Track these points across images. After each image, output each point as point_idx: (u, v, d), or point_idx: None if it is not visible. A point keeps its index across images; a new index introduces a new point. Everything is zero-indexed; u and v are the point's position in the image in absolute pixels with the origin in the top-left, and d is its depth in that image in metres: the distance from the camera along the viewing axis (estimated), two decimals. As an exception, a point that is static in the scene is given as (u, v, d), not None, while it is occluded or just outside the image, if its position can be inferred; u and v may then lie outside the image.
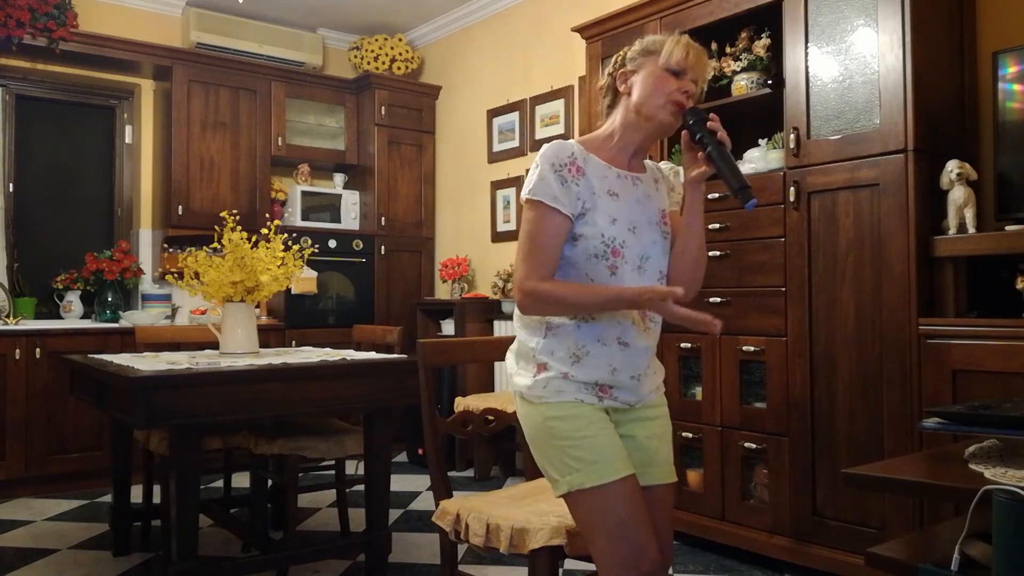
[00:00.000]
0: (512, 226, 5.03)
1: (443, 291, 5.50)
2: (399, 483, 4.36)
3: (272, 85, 5.31)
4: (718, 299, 3.07)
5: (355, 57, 5.69)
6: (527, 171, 1.75)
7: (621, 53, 1.77)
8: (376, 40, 5.66)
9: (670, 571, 1.79)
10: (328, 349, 3.40)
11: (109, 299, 4.74)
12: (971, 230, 2.52)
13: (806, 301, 2.83)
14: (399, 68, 5.70)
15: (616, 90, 1.75)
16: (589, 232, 1.64)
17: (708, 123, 1.64)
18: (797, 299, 2.85)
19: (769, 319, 2.94)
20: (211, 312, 4.69)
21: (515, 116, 5.04)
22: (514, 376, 1.75)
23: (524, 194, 1.67)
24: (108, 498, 3.88)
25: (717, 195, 3.06)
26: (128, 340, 4.30)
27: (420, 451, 4.77)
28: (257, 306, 3.87)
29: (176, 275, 3.61)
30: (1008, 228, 2.48)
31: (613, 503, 1.59)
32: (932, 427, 1.45)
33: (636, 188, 1.72)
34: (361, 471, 3.08)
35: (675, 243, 1.76)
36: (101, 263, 4.67)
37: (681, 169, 1.75)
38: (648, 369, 1.74)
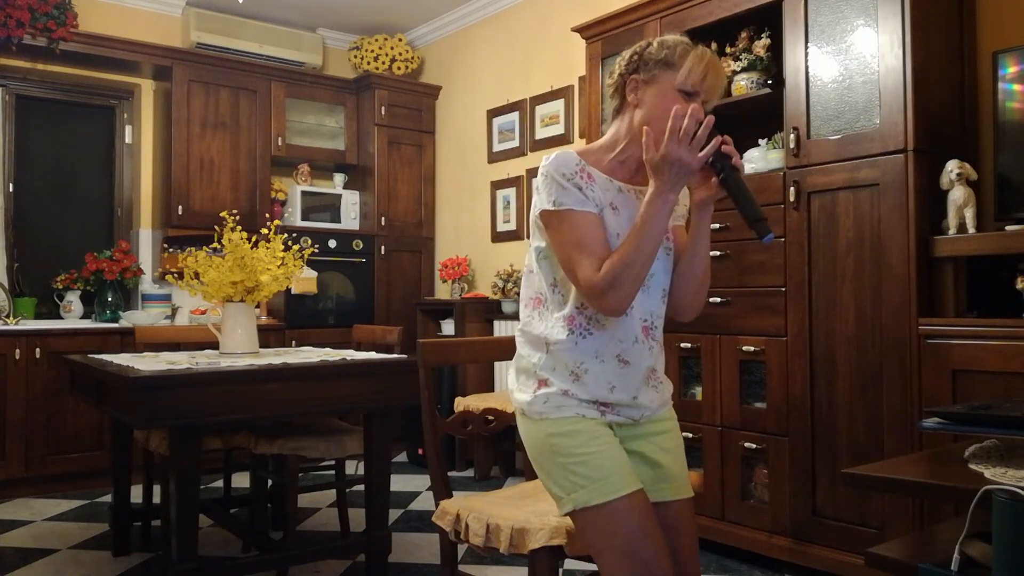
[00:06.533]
0: (512, 226, 5.03)
1: (443, 291, 5.50)
2: (399, 483, 4.36)
3: (272, 85, 5.31)
4: (718, 299, 3.07)
5: (355, 57, 5.69)
6: (527, 171, 1.71)
7: (638, 49, 1.63)
8: (376, 40, 5.66)
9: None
10: (328, 349, 3.40)
11: (109, 299, 4.74)
12: (971, 230, 2.52)
13: (806, 301, 2.83)
14: (399, 68, 5.70)
15: (625, 95, 1.64)
16: None
17: (723, 147, 1.51)
18: (797, 299, 2.85)
19: (769, 319, 2.94)
20: (211, 312, 4.69)
21: (515, 116, 5.03)
22: (515, 392, 1.69)
23: (545, 207, 1.57)
24: (108, 498, 3.87)
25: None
26: (128, 340, 4.30)
27: (420, 451, 4.77)
28: (257, 306, 3.87)
29: (176, 275, 3.60)
30: (1008, 228, 2.48)
31: (620, 520, 1.53)
32: (932, 427, 1.45)
33: (639, 202, 1.62)
34: (361, 471, 3.08)
35: (678, 263, 1.68)
36: (101, 263, 4.67)
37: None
38: (651, 387, 1.67)
